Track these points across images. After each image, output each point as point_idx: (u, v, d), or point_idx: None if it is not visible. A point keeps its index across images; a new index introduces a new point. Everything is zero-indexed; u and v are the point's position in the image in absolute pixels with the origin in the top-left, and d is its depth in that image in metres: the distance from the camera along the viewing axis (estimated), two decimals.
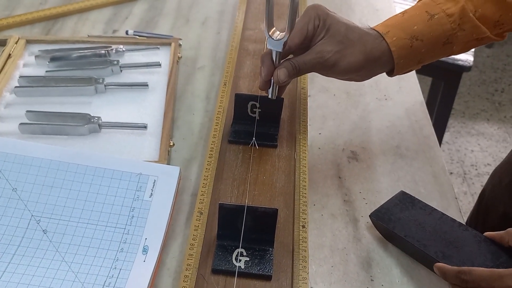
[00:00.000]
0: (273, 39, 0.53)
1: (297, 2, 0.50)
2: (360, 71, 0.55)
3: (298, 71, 0.54)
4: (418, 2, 0.58)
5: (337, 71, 0.55)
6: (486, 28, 0.56)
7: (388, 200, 0.55)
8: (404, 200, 0.55)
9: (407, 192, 0.56)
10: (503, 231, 0.49)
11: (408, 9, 0.57)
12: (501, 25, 0.56)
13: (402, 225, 0.52)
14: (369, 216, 0.54)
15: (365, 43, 0.54)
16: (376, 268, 0.52)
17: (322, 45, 0.54)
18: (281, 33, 0.53)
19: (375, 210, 0.54)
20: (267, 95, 0.57)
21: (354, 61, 0.54)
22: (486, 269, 0.45)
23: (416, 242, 0.50)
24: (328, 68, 0.55)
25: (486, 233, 0.50)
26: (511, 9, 0.55)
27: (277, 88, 0.56)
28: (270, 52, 0.54)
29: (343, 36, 0.53)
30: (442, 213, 0.53)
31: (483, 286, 0.44)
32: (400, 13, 0.57)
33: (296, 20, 0.54)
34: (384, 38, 0.54)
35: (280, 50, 0.53)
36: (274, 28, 0.53)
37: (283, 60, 0.55)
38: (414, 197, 0.55)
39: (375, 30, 0.56)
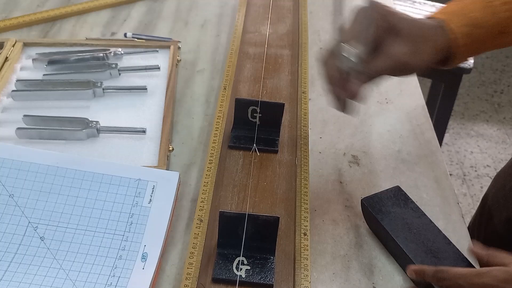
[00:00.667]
0: (348, 57, 0.48)
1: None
2: (430, 66, 0.53)
3: (372, 78, 0.52)
4: None
5: (410, 70, 0.53)
6: None
7: (383, 191, 0.55)
8: (398, 196, 0.55)
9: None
10: (485, 252, 0.49)
11: None
12: None
13: (390, 219, 0.52)
14: (361, 200, 0.54)
15: (432, 38, 0.52)
16: (378, 275, 0.51)
17: (393, 47, 0.51)
18: (350, 47, 0.49)
19: (368, 196, 0.54)
20: (267, 100, 0.56)
21: (425, 58, 0.52)
22: (463, 268, 0.45)
23: (400, 240, 0.50)
24: (401, 69, 0.52)
25: (471, 247, 0.50)
26: None
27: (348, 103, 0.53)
28: (337, 69, 0.50)
29: (412, 35, 0.51)
30: (431, 220, 0.53)
31: (461, 283, 0.44)
32: (457, 1, 0.55)
33: (356, 24, 0.51)
34: (445, 26, 0.52)
35: (358, 67, 0.49)
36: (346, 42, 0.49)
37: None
38: (408, 196, 0.55)
39: (435, 18, 0.53)
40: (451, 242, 0.51)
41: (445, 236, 0.51)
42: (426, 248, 0.50)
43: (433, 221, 0.52)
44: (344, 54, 0.48)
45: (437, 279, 0.45)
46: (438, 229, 0.52)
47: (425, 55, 0.52)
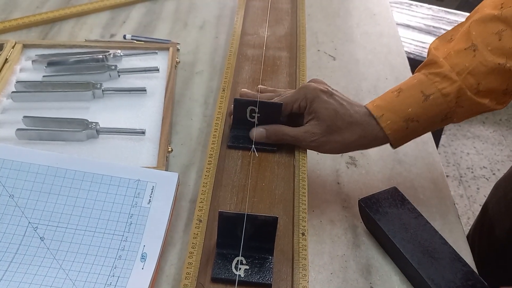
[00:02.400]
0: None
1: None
2: (351, 150, 0.56)
3: (280, 140, 0.56)
4: (414, 77, 0.55)
5: (323, 151, 0.56)
6: (494, 99, 0.53)
7: (380, 192, 0.56)
8: (395, 196, 0.55)
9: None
10: None
11: (403, 85, 0.55)
12: (511, 93, 0.53)
13: (387, 220, 0.52)
14: (358, 200, 0.55)
15: (355, 129, 0.54)
16: (376, 275, 0.52)
17: (309, 126, 0.55)
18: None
19: (365, 197, 0.55)
20: (266, 100, 0.57)
21: (340, 146, 0.54)
22: None
23: (397, 240, 0.51)
24: (314, 148, 0.55)
25: None
26: None
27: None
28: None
29: (331, 123, 0.53)
30: (427, 221, 0.53)
31: None
32: (395, 91, 0.55)
33: (290, 93, 0.57)
34: (378, 122, 0.53)
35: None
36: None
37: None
38: (405, 196, 0.55)
39: (368, 110, 0.54)
40: (447, 243, 0.51)
41: (441, 236, 0.52)
42: (423, 248, 0.50)
43: (429, 222, 0.53)
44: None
45: None
46: (435, 229, 0.52)
47: (338, 142, 0.54)
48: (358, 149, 0.56)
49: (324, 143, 0.54)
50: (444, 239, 0.51)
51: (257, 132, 0.56)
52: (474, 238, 0.81)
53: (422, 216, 0.54)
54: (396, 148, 0.56)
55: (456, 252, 0.50)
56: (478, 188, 1.77)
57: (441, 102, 0.52)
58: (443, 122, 0.55)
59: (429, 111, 0.53)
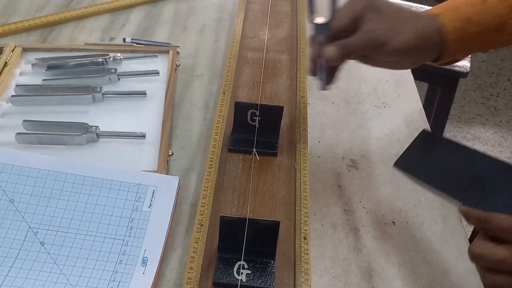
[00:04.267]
0: (316, 24, 0.51)
1: None
2: (411, 51, 0.53)
3: (349, 51, 0.52)
4: None
5: (388, 50, 0.52)
6: None
7: (410, 144, 0.53)
8: (426, 140, 0.52)
9: (407, 204, 0.56)
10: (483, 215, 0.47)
11: None
12: None
13: (428, 171, 0.49)
14: (393, 166, 0.52)
15: (417, 21, 0.52)
16: (378, 279, 0.51)
17: (372, 24, 0.51)
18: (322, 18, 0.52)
19: (398, 158, 0.52)
20: (266, 103, 0.57)
21: (406, 38, 0.51)
22: (505, 218, 0.43)
23: (444, 188, 0.47)
24: (379, 47, 0.52)
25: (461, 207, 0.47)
26: None
27: (326, 73, 0.54)
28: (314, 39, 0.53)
29: (393, 14, 0.52)
30: (465, 146, 0.50)
31: (501, 236, 0.42)
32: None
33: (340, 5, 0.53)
34: (437, 19, 0.52)
35: (325, 34, 0.52)
36: (316, 15, 0.52)
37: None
38: (435, 134, 0.52)
39: (428, 13, 0.54)
40: (492, 158, 0.48)
41: (484, 154, 0.49)
42: (471, 178, 0.47)
43: (431, 224, 0.52)
44: (314, 22, 0.51)
45: (479, 227, 0.44)
46: (475, 150, 0.50)
47: (404, 35, 0.51)
48: (411, 56, 0.53)
49: (391, 37, 0.51)
50: (488, 156, 0.49)
51: (329, 50, 0.52)
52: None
53: (459, 144, 0.51)
54: (442, 63, 0.54)
55: (507, 163, 0.47)
56: None
57: (497, 6, 0.52)
58: (495, 35, 0.53)
59: (485, 14, 0.52)
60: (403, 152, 0.52)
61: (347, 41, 0.52)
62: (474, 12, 0.52)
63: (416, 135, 0.53)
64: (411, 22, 0.52)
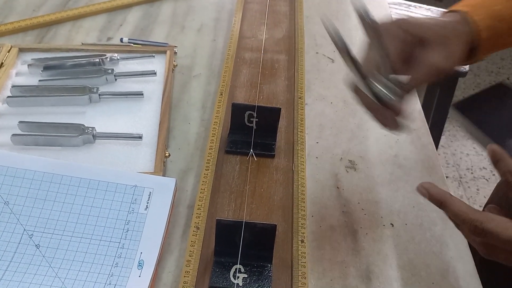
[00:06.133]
0: (384, 91, 0.46)
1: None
2: (461, 62, 0.52)
3: (411, 92, 0.51)
4: None
5: (445, 74, 0.51)
6: None
7: (480, 91, 0.50)
8: (499, 92, 0.48)
9: (406, 205, 0.55)
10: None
11: None
12: None
13: (489, 120, 0.45)
14: (452, 106, 0.48)
15: (459, 35, 0.51)
16: (376, 281, 0.51)
17: (425, 57, 0.50)
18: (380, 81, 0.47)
19: (462, 100, 0.49)
20: (264, 105, 0.56)
21: (458, 57, 0.51)
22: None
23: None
24: (437, 76, 0.51)
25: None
26: None
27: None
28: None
29: (440, 39, 0.50)
30: None
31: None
32: None
33: (383, 43, 0.50)
34: (469, 20, 0.51)
35: (397, 96, 0.47)
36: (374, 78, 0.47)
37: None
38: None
39: (456, 12, 0.52)
40: None
41: None
42: None
43: (430, 226, 0.52)
44: (378, 88, 0.47)
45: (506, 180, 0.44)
46: None
47: (456, 54, 0.51)
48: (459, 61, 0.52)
49: (449, 63, 0.50)
50: None
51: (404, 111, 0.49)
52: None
53: None
54: (480, 59, 0.53)
55: None
56: (478, 189, 1.76)
57: None
58: None
59: None
60: (469, 96, 0.50)
61: (408, 88, 0.50)
62: (503, 9, 0.51)
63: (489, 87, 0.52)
64: (455, 41, 0.50)
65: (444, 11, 0.54)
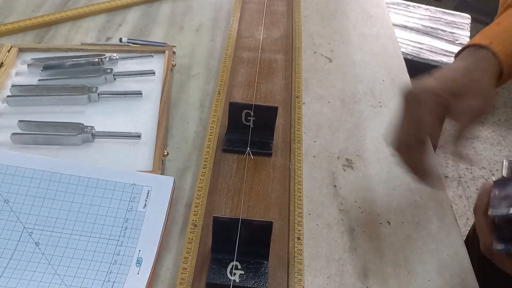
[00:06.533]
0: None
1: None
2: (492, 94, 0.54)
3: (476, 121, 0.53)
4: (507, 8, 0.56)
5: (490, 110, 0.54)
6: None
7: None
8: None
9: (403, 204, 0.56)
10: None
11: (500, 19, 0.55)
12: None
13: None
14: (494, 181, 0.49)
15: (486, 72, 0.52)
16: (373, 278, 0.51)
17: (466, 104, 0.51)
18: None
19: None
20: (261, 104, 0.57)
21: (493, 91, 0.52)
22: None
23: None
24: (485, 114, 0.53)
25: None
26: None
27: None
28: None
29: (471, 84, 0.52)
30: None
31: None
32: (493, 24, 0.55)
33: (418, 115, 0.52)
34: (489, 49, 0.52)
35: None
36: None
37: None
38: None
39: (474, 46, 0.53)
40: None
41: None
42: None
43: (426, 224, 0.52)
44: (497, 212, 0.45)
45: None
46: None
47: (491, 92, 0.52)
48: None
49: (484, 103, 0.52)
50: None
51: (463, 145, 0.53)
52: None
53: None
54: (502, 83, 0.54)
55: None
56: (477, 189, 1.77)
57: None
58: None
59: None
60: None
61: (465, 134, 0.54)
62: None
63: None
64: (484, 79, 0.52)
65: (462, 48, 0.55)
